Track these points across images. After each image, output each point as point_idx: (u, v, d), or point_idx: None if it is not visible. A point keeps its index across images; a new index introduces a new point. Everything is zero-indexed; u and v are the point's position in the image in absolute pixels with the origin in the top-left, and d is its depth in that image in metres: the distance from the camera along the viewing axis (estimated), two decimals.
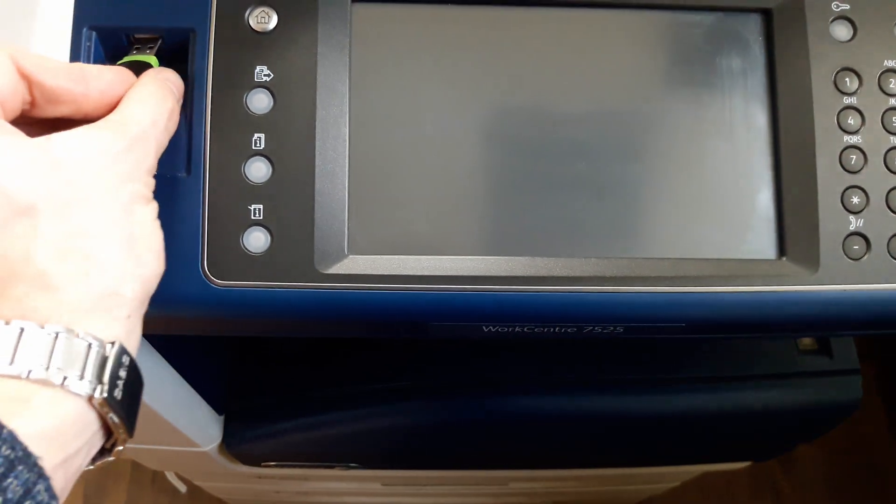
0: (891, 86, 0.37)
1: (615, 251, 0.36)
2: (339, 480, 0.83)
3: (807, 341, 0.61)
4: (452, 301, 0.35)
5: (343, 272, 0.35)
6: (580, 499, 1.00)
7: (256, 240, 0.35)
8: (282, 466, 0.69)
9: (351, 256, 0.36)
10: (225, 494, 0.99)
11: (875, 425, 1.29)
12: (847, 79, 0.37)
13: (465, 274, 0.36)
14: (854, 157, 0.37)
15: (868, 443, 1.28)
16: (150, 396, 0.50)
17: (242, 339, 0.66)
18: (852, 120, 0.37)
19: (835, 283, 0.36)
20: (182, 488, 0.84)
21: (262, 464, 0.68)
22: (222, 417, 0.64)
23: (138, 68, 0.35)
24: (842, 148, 0.37)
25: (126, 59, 0.36)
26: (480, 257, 0.36)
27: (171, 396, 0.53)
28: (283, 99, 0.36)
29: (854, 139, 0.37)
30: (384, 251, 0.36)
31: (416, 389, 0.62)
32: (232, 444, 0.64)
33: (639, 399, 0.61)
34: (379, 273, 0.35)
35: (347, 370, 0.64)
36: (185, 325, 0.37)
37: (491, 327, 0.37)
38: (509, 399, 0.61)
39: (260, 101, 0.36)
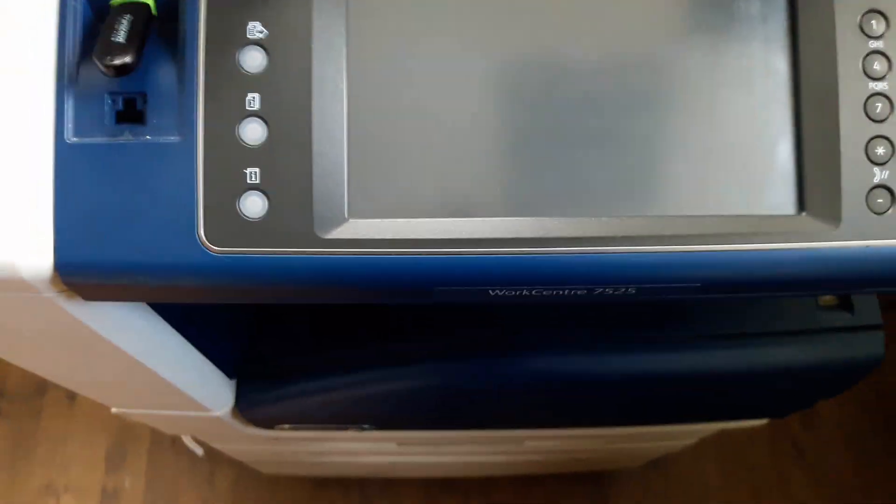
0: None
1: (626, 209, 0.35)
2: (354, 441, 0.83)
3: (827, 297, 0.59)
4: (457, 265, 0.34)
5: (343, 237, 0.34)
6: (596, 456, 1.00)
7: (253, 204, 0.34)
8: (295, 429, 0.69)
9: (351, 220, 0.34)
10: (242, 456, 1.00)
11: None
12: (874, 21, 0.35)
13: (470, 237, 0.34)
14: (880, 105, 0.35)
15: (890, 397, 1.26)
16: (158, 363, 0.50)
17: (251, 304, 0.66)
18: (878, 65, 0.35)
19: (858, 238, 0.34)
20: (199, 451, 0.84)
21: (276, 427, 0.68)
22: (234, 381, 0.64)
23: (134, 10, 0.33)
24: (867, 95, 0.35)
25: (120, 0, 0.34)
26: (485, 219, 0.35)
27: (178, 362, 0.53)
28: (278, 56, 0.34)
29: (880, 86, 0.35)
30: (386, 214, 0.34)
31: (429, 350, 0.61)
32: (244, 407, 0.64)
33: (655, 357, 0.59)
34: (380, 237, 0.34)
35: (360, 331, 0.63)
36: (184, 294, 0.36)
37: (498, 291, 0.36)
38: (523, 359, 0.60)
39: (253, 59, 0.34)
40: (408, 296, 0.36)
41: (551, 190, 0.35)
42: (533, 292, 0.36)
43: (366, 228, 0.34)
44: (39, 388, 1.27)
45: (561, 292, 0.36)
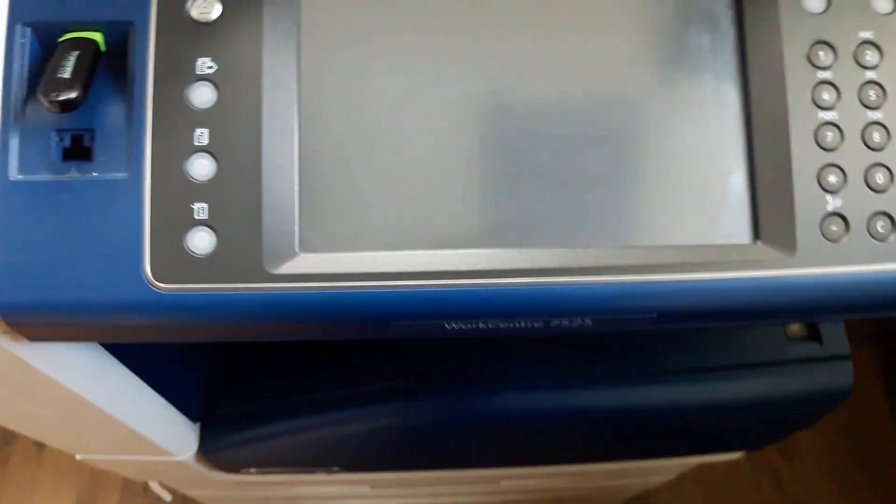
0: (867, 58, 0.35)
1: (580, 241, 0.34)
2: (325, 484, 0.82)
3: (795, 328, 0.59)
4: (410, 298, 0.34)
5: (294, 272, 0.33)
6: (575, 494, 0.98)
7: (201, 240, 0.33)
8: (262, 472, 0.67)
9: (302, 255, 0.34)
10: (212, 502, 0.97)
11: (876, 411, 1.28)
12: (821, 52, 0.35)
13: (424, 269, 0.34)
14: (830, 134, 0.35)
15: (869, 429, 1.26)
16: (114, 406, 0.49)
17: (215, 345, 0.65)
18: (827, 95, 0.35)
19: (813, 265, 0.34)
20: (167, 497, 0.82)
21: (242, 470, 0.67)
22: (198, 425, 0.63)
23: (82, 46, 0.33)
24: (817, 125, 0.35)
25: (68, 35, 0.34)
26: (438, 251, 0.34)
27: (137, 405, 0.51)
28: (228, 92, 0.34)
29: (830, 115, 0.35)
30: (337, 248, 0.34)
31: (395, 390, 0.60)
32: (208, 451, 0.62)
33: (626, 392, 0.59)
34: (331, 271, 0.33)
35: (325, 373, 0.62)
36: (130, 333, 0.35)
37: (453, 324, 0.35)
38: (494, 397, 0.60)
39: (203, 95, 0.34)
40: (362, 330, 0.36)
41: (506, 222, 0.34)
42: (489, 325, 0.35)
43: (317, 262, 0.34)
44: (6, 436, 1.23)
45: (517, 325, 0.35)
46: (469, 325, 0.35)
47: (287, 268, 0.33)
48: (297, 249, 0.34)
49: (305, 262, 0.34)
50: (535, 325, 0.35)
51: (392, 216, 0.34)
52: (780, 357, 0.58)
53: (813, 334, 0.59)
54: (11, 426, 0.54)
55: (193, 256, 0.33)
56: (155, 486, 0.80)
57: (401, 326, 0.35)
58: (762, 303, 0.35)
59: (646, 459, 0.75)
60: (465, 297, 0.34)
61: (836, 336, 0.58)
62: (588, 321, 0.35)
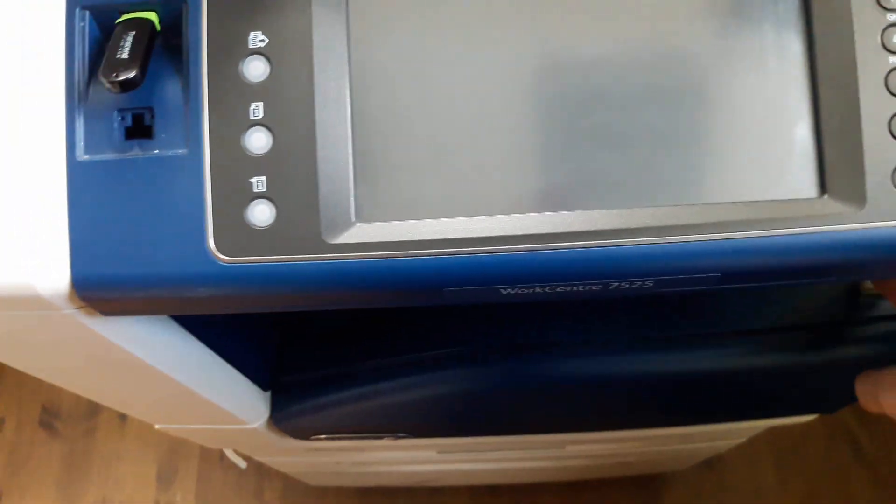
0: None
1: (639, 201, 0.34)
2: (394, 450, 0.83)
3: (869, 285, 0.57)
4: (466, 264, 0.34)
5: (351, 241, 0.34)
6: (643, 459, 0.98)
7: (261, 213, 0.34)
8: (331, 439, 0.69)
9: (358, 224, 0.34)
10: (287, 468, 1.00)
11: None
12: None
13: (479, 235, 0.34)
14: None
15: None
16: (187, 376, 0.51)
17: (282, 315, 0.66)
18: None
19: (884, 219, 0.33)
20: (242, 464, 0.85)
21: (312, 437, 0.69)
22: (268, 393, 0.65)
23: (138, 27, 0.34)
24: (888, 70, 0.33)
25: (124, 16, 0.35)
26: (495, 217, 0.34)
27: (209, 375, 0.53)
28: (280, 64, 0.34)
29: None
30: (393, 217, 0.34)
31: (460, 356, 0.61)
32: (279, 419, 0.64)
33: (696, 354, 0.58)
34: (388, 240, 0.34)
35: (391, 339, 0.63)
36: (197, 305, 0.36)
37: (509, 290, 0.35)
38: (557, 361, 0.59)
39: (256, 69, 0.34)
40: (418, 298, 0.36)
41: (561, 184, 0.34)
42: (546, 289, 0.35)
43: (373, 232, 0.34)
44: (92, 409, 1.30)
45: (574, 288, 0.35)
46: (525, 291, 0.35)
47: (344, 237, 0.34)
48: (353, 219, 0.34)
49: (362, 232, 0.34)
50: (594, 288, 0.35)
51: (446, 183, 0.34)
52: (853, 315, 0.56)
53: None
54: (93, 397, 0.57)
55: (254, 229, 0.34)
56: (230, 454, 0.83)
57: (456, 293, 0.35)
58: (830, 259, 0.34)
59: (714, 423, 0.73)
60: (521, 262, 0.34)
61: None
62: (648, 283, 0.35)
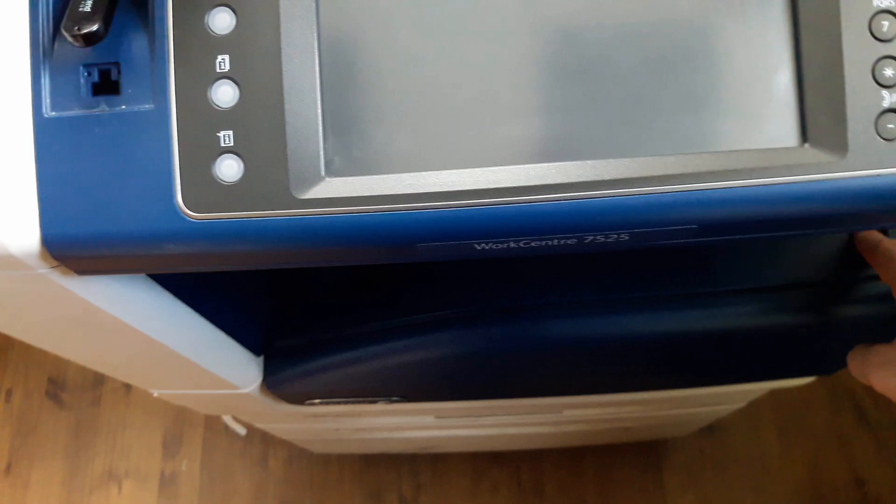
0: None
1: (613, 152, 0.33)
2: (390, 415, 0.83)
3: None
4: (439, 219, 0.33)
5: (320, 196, 0.33)
6: (643, 424, 0.98)
7: (228, 168, 0.33)
8: (325, 404, 0.69)
9: (328, 179, 0.34)
10: (287, 435, 1.01)
11: None
12: None
13: (451, 189, 0.33)
14: (886, 22, 0.32)
15: None
16: (176, 341, 0.50)
17: (274, 279, 0.66)
18: None
19: (867, 167, 0.32)
20: (241, 431, 0.86)
21: (306, 402, 0.69)
22: (261, 358, 0.65)
23: None
24: (872, 13, 0.32)
25: None
26: (467, 170, 0.33)
27: (197, 341, 0.53)
28: (246, 16, 0.33)
29: (885, 2, 0.32)
30: (363, 171, 0.34)
31: (452, 319, 0.60)
32: (272, 384, 0.64)
33: (689, 314, 0.57)
34: (358, 195, 0.33)
35: (382, 304, 0.63)
36: (168, 262, 0.36)
37: (484, 244, 0.34)
38: (550, 323, 0.59)
39: (222, 21, 0.33)
40: (391, 253, 0.35)
41: (533, 136, 0.33)
42: (521, 244, 0.34)
43: (343, 186, 0.33)
44: (97, 379, 1.31)
45: (550, 242, 0.34)
46: (501, 245, 0.35)
47: (313, 192, 0.33)
48: (322, 174, 0.34)
49: (331, 187, 0.33)
50: (569, 241, 0.34)
51: (418, 136, 0.34)
52: (848, 274, 0.56)
53: None
54: (84, 362, 0.57)
55: (222, 184, 0.33)
56: (229, 421, 0.84)
57: (429, 248, 0.34)
58: (811, 209, 0.33)
59: (711, 386, 0.73)
60: (495, 215, 0.33)
61: None
62: (624, 236, 0.34)
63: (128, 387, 1.29)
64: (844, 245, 0.56)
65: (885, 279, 0.50)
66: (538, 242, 0.34)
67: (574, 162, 0.33)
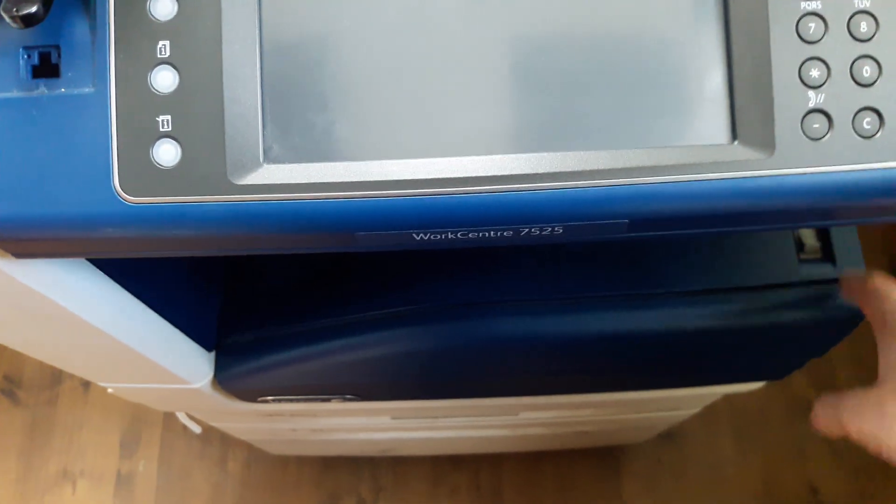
0: None
1: (546, 146, 0.34)
2: (347, 415, 0.83)
3: (809, 249, 0.57)
4: (376, 208, 0.33)
5: (258, 182, 0.33)
6: (600, 428, 0.99)
7: (166, 152, 0.33)
8: (278, 401, 0.69)
9: (266, 166, 0.34)
10: (246, 436, 1.00)
11: None
12: None
13: (389, 178, 0.33)
14: (813, 24, 0.33)
15: None
16: (124, 334, 0.50)
17: (227, 274, 0.66)
18: None
19: (793, 166, 0.33)
20: (196, 429, 0.85)
21: (258, 399, 0.69)
22: (213, 353, 0.64)
23: None
24: (799, 15, 0.33)
25: None
26: (404, 160, 0.34)
27: (142, 331, 0.53)
28: (187, 2, 0.34)
29: (812, 5, 0.33)
30: (302, 159, 0.34)
31: (405, 316, 0.61)
32: (223, 379, 0.64)
33: (634, 315, 0.58)
34: (296, 182, 0.33)
35: (335, 300, 0.63)
36: (104, 246, 0.36)
37: (422, 235, 0.35)
38: (505, 320, 0.59)
39: (164, 7, 0.34)
40: (329, 241, 0.36)
41: (469, 128, 0.34)
42: (458, 235, 0.35)
43: (281, 173, 0.34)
44: (55, 377, 1.29)
45: (487, 234, 0.35)
46: (439, 236, 0.35)
47: (251, 178, 0.33)
48: (261, 160, 0.34)
49: (269, 173, 0.34)
50: (505, 233, 0.35)
51: (357, 125, 0.34)
52: (791, 279, 0.57)
53: (826, 255, 0.57)
54: (32, 353, 0.56)
55: (160, 168, 0.33)
56: (183, 418, 0.83)
57: (367, 237, 0.35)
58: (739, 206, 0.34)
59: (662, 389, 0.74)
60: (431, 206, 0.34)
61: (851, 257, 0.57)
62: (558, 229, 0.35)
63: (86, 386, 1.28)
64: (788, 249, 0.57)
65: (869, 316, 0.48)
66: (475, 234, 0.35)
67: (508, 155, 0.34)
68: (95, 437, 1.25)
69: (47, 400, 1.27)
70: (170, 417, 1.23)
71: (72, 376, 1.27)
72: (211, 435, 1.21)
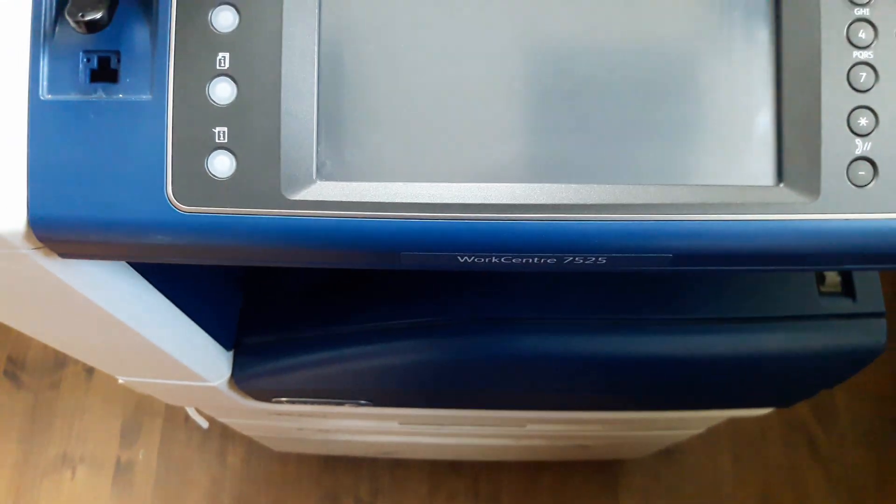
0: None
1: (598, 178, 0.34)
2: (356, 418, 0.84)
3: (829, 282, 0.58)
4: (424, 230, 0.34)
5: (310, 198, 0.34)
6: (602, 444, 0.99)
7: (221, 164, 0.34)
8: (292, 402, 0.69)
9: (319, 182, 0.34)
10: (250, 432, 1.01)
11: None
12: None
13: (439, 201, 0.34)
14: (864, 74, 0.33)
15: None
16: (149, 330, 0.51)
17: (249, 276, 0.66)
18: (863, 33, 0.33)
19: (837, 211, 0.33)
20: (204, 424, 0.85)
21: (273, 399, 0.69)
22: (231, 353, 0.65)
23: None
24: (851, 64, 0.34)
25: None
26: (455, 184, 0.34)
27: (170, 331, 0.53)
28: (249, 15, 0.34)
29: (865, 55, 0.33)
30: (354, 177, 0.34)
31: (423, 327, 0.61)
32: (240, 379, 0.64)
33: (652, 339, 0.59)
34: (347, 200, 0.34)
35: (355, 306, 0.63)
36: (153, 252, 0.36)
37: (466, 258, 0.35)
38: (520, 337, 0.60)
39: (225, 19, 0.34)
40: (375, 260, 0.36)
41: (522, 157, 0.34)
42: (502, 259, 0.35)
43: (333, 190, 0.34)
44: (59, 361, 1.29)
45: (530, 260, 0.35)
46: (482, 260, 0.36)
47: (304, 194, 0.34)
48: (314, 177, 0.34)
49: (322, 190, 0.34)
50: (549, 261, 0.35)
51: (410, 147, 0.34)
52: (811, 311, 0.57)
53: (847, 290, 0.57)
54: (54, 344, 0.57)
55: (214, 179, 0.34)
56: (193, 413, 0.83)
57: (413, 257, 0.35)
58: (781, 247, 0.34)
59: (671, 410, 0.75)
60: (477, 230, 0.34)
61: (870, 292, 0.57)
62: (602, 259, 0.35)
63: (89, 372, 1.28)
64: (809, 282, 0.58)
65: None
66: (519, 259, 0.35)
67: (558, 184, 0.34)
68: (96, 423, 1.25)
69: (50, 384, 1.27)
70: (171, 408, 1.24)
71: (76, 361, 1.27)
72: (212, 428, 1.22)
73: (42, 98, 0.34)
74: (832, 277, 0.58)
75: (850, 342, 0.57)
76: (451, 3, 0.34)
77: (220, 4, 0.34)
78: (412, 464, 1.20)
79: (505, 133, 0.34)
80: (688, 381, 0.64)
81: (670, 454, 1.21)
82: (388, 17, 0.35)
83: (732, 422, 1.17)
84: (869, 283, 0.57)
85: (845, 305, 0.57)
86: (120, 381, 0.69)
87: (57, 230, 0.35)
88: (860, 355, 0.57)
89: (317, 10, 0.34)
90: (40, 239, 0.35)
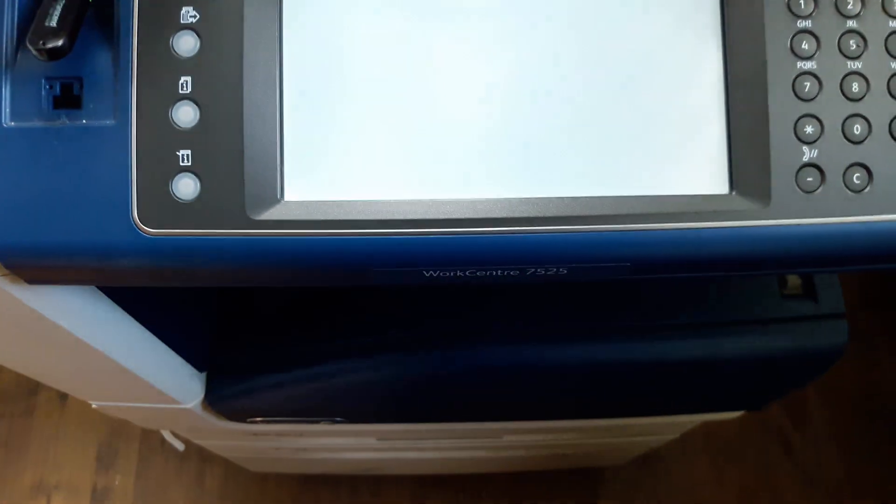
0: (848, 7, 0.35)
1: (555, 190, 0.35)
2: (333, 436, 0.84)
3: (791, 285, 0.59)
4: (388, 245, 0.35)
5: (275, 218, 0.34)
6: (580, 451, 1.00)
7: (186, 186, 0.34)
8: (267, 422, 0.69)
9: (284, 202, 0.35)
10: (227, 453, 1.00)
11: (891, 380, 1.27)
12: (802, 0, 0.35)
13: (402, 217, 0.35)
14: (808, 83, 0.35)
15: (883, 398, 1.26)
16: (119, 354, 0.50)
17: (221, 297, 0.66)
18: (807, 45, 0.35)
19: (788, 217, 0.35)
20: (180, 447, 0.85)
21: (248, 420, 0.69)
22: (204, 374, 0.65)
23: None
24: (795, 74, 0.35)
25: None
26: (417, 200, 0.35)
27: (140, 353, 0.53)
28: (210, 40, 0.34)
29: (808, 65, 0.35)
30: (319, 196, 0.35)
31: (395, 343, 0.62)
32: (213, 400, 0.64)
33: (623, 347, 0.60)
34: (313, 218, 0.34)
35: (328, 325, 0.64)
36: (120, 276, 0.37)
37: (431, 272, 0.36)
38: (493, 349, 0.61)
39: (186, 44, 0.35)
40: (343, 277, 0.37)
41: (481, 172, 0.35)
42: (466, 272, 0.36)
43: (299, 209, 0.35)
44: (32, 388, 1.27)
45: (494, 273, 0.36)
46: (447, 274, 0.36)
47: (269, 214, 0.34)
48: (279, 196, 0.35)
49: (287, 209, 0.35)
50: (512, 273, 0.36)
51: (373, 165, 0.35)
52: (774, 314, 0.59)
53: (808, 292, 0.59)
54: (26, 372, 0.56)
55: (179, 202, 0.34)
56: (167, 435, 0.83)
57: (380, 273, 0.36)
58: (736, 253, 0.35)
59: (643, 416, 0.75)
60: (440, 245, 0.35)
61: (831, 295, 0.59)
62: (563, 269, 0.36)
63: (63, 397, 1.26)
64: (772, 285, 0.59)
65: None
66: (483, 272, 0.36)
67: (518, 198, 0.35)
68: (72, 449, 1.23)
69: (23, 410, 1.26)
70: (148, 432, 1.23)
71: (48, 387, 1.26)
72: (189, 451, 1.20)
73: (5, 125, 0.35)
74: (793, 280, 0.59)
75: (813, 344, 0.58)
76: (411, 23, 0.35)
77: (182, 29, 0.34)
78: (393, 480, 1.20)
79: (466, 149, 0.35)
80: (657, 386, 0.65)
81: (648, 461, 1.22)
82: (350, 39, 0.35)
83: (707, 426, 1.18)
84: (829, 286, 0.59)
85: (807, 308, 0.59)
86: (93, 406, 0.69)
87: (24, 257, 0.35)
88: (823, 356, 0.59)
89: (277, 33, 0.35)
90: (7, 266, 0.36)
